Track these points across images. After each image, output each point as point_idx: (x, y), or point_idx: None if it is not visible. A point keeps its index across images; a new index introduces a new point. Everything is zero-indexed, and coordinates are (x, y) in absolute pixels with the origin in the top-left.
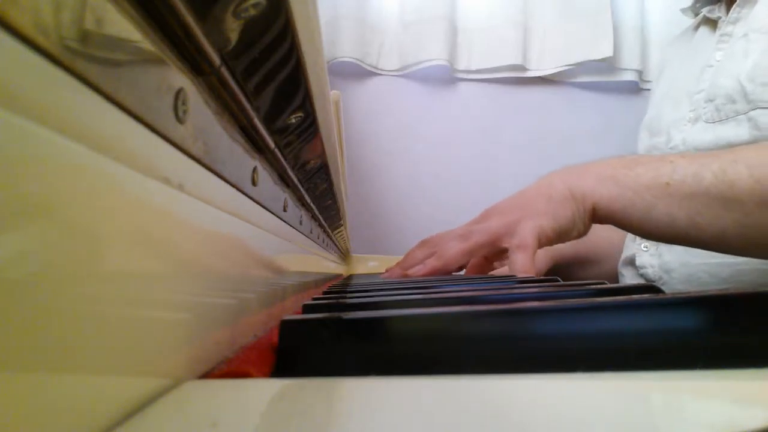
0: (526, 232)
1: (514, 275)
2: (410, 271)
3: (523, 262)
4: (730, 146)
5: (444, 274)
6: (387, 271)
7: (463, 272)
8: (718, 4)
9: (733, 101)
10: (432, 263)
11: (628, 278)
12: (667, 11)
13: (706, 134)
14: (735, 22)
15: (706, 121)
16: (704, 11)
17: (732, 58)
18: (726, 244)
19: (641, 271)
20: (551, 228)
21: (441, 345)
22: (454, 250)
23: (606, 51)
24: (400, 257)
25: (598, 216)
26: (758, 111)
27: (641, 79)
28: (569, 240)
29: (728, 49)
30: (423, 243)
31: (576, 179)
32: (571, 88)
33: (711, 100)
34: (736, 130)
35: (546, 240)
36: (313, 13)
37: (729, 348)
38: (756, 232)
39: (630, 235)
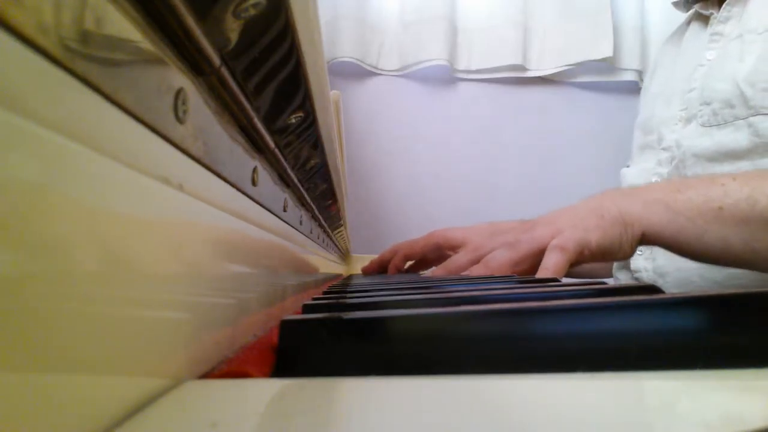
0: (570, 238)
1: (544, 273)
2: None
3: (556, 262)
4: (729, 152)
5: None
6: (432, 273)
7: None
8: (710, 0)
9: (732, 106)
10: (479, 273)
11: (623, 281)
12: (667, 11)
13: (703, 139)
14: (726, 20)
15: (703, 125)
16: (696, 7)
17: (727, 59)
18: None
19: (636, 274)
20: (597, 244)
21: (441, 345)
22: (502, 260)
23: (606, 51)
24: None
25: (646, 241)
26: (759, 117)
27: (641, 79)
28: (612, 260)
29: (721, 49)
30: (448, 238)
31: (626, 203)
32: (571, 88)
33: (707, 103)
34: (735, 136)
35: (589, 254)
36: (313, 13)
37: (729, 348)
38: None
39: None
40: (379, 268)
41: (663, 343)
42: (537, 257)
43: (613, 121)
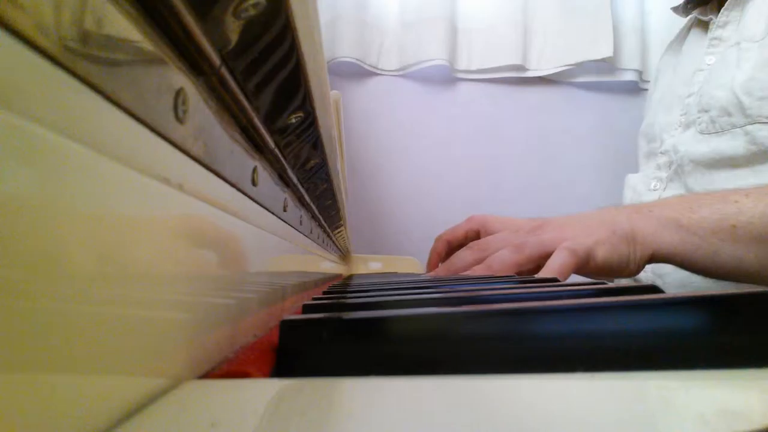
0: (581, 244)
1: (549, 272)
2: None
3: (563, 263)
4: (727, 159)
5: None
6: (432, 271)
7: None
8: (709, 5)
9: (729, 114)
10: (481, 272)
11: (623, 282)
12: (667, 11)
13: (700, 145)
14: (724, 25)
15: (701, 132)
16: (695, 12)
17: (725, 66)
18: None
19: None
20: (604, 258)
21: (441, 345)
22: (505, 261)
23: (606, 51)
24: (400, 257)
25: (657, 259)
26: (756, 125)
27: (641, 79)
28: (616, 277)
29: (720, 55)
30: (485, 226)
31: (639, 222)
32: (571, 88)
33: (706, 111)
34: (732, 143)
35: (594, 266)
36: (313, 13)
37: (729, 348)
38: None
39: None
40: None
41: (663, 343)
42: (541, 260)
43: (613, 121)
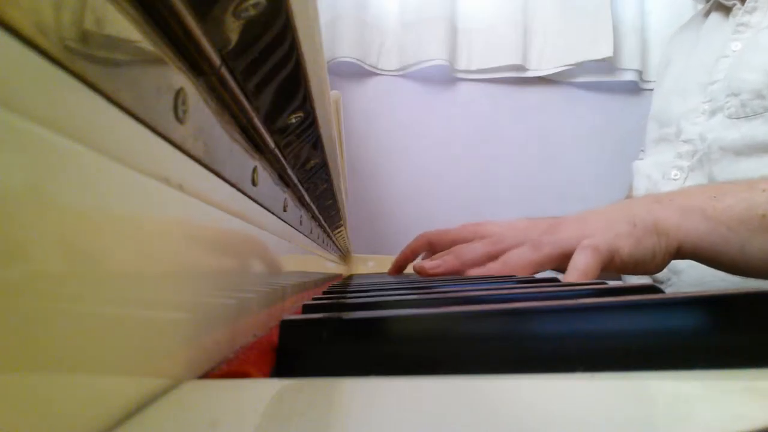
0: (603, 240)
1: (574, 274)
2: (470, 272)
3: (587, 262)
4: (759, 145)
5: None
6: (438, 260)
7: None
8: None
9: (762, 96)
10: (495, 268)
11: (636, 278)
12: (667, 11)
13: (730, 131)
14: (752, 11)
15: (729, 117)
16: None
17: (756, 49)
18: None
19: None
20: (629, 254)
21: (441, 345)
22: (522, 259)
23: (606, 51)
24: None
25: (683, 254)
26: None
27: (641, 79)
28: (642, 273)
29: (750, 39)
30: (480, 231)
31: (661, 211)
32: (571, 88)
33: (735, 95)
34: (764, 128)
35: (620, 262)
36: (313, 13)
37: (729, 348)
38: None
39: None
40: (405, 261)
41: (663, 343)
42: (559, 260)
43: (613, 121)
